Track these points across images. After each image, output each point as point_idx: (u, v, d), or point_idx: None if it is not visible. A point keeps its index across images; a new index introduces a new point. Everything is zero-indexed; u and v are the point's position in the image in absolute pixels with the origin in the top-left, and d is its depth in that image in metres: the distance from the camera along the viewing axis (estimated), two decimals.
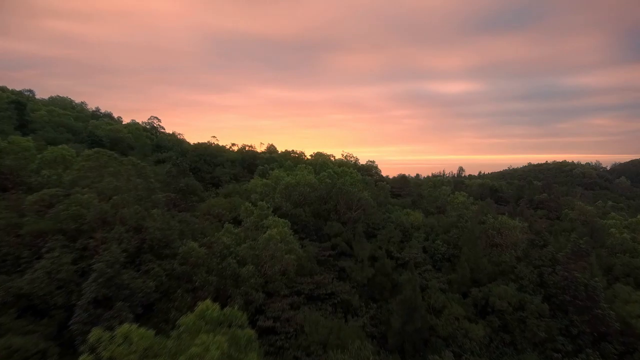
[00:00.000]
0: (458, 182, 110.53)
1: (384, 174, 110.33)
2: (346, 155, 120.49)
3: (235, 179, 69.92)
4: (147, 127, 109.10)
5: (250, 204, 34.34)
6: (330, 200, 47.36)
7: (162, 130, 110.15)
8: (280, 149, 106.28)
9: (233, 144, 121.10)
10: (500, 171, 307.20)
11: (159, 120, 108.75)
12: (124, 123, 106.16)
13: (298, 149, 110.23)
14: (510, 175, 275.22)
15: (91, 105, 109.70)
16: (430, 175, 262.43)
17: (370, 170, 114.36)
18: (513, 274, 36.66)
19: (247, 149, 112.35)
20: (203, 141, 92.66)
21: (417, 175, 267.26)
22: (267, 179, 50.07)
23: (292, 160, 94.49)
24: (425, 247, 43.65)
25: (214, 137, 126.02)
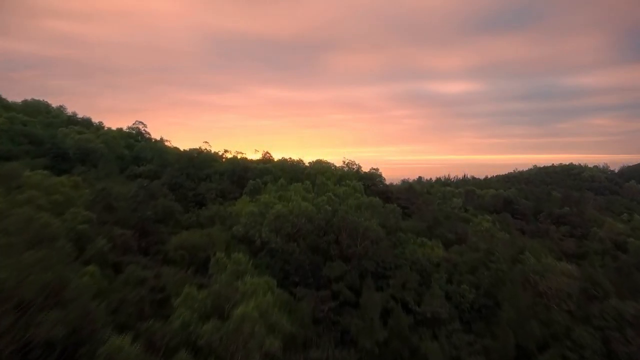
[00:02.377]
0: (469, 192, 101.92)
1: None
2: (348, 163, 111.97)
3: (222, 196, 61.21)
4: (133, 132, 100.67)
5: (222, 255, 25.82)
6: (331, 231, 38.84)
7: (147, 136, 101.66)
8: (280, 149, 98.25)
9: (226, 151, 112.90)
10: (505, 174, 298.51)
11: (145, 125, 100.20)
12: (107, 128, 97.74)
13: (297, 153, 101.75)
14: (516, 179, 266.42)
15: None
16: (433, 178, 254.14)
17: (374, 178, 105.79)
18: (569, 339, 28.15)
19: (239, 156, 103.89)
20: (195, 146, 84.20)
21: (420, 178, 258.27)
22: (255, 203, 41.47)
23: (288, 169, 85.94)
24: (448, 292, 35.11)
25: (205, 142, 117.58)
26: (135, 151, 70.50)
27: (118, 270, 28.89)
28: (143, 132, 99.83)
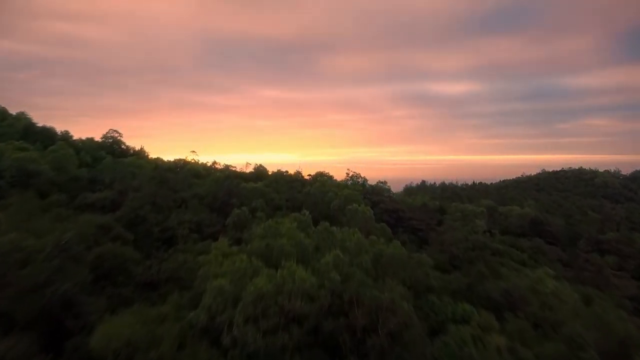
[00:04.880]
0: (492, 210, 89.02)
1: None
2: (352, 176, 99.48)
3: (198, 230, 48.71)
4: (108, 142, 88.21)
5: None
6: (339, 311, 26.33)
7: (123, 147, 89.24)
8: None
9: (214, 163, 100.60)
10: (513, 178, 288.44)
11: (120, 134, 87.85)
12: (75, 139, 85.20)
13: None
14: (525, 184, 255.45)
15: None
16: (436, 182, 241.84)
17: (381, 193, 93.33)
18: None
19: (230, 170, 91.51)
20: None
21: (423, 182, 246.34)
22: (230, 262, 28.84)
23: (283, 187, 73.40)
24: None
25: (193, 151, 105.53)
26: (98, 171, 57.84)
27: None
28: (118, 140, 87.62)
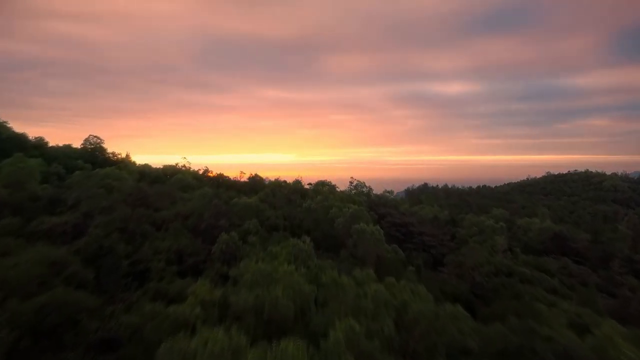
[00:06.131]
0: (508, 222, 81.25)
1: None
2: (356, 185, 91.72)
3: (178, 261, 40.79)
4: (89, 149, 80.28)
5: None
6: None
7: (106, 155, 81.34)
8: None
9: (207, 170, 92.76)
10: (519, 181, 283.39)
11: (101, 141, 79.93)
12: (52, 145, 77.34)
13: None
14: (532, 187, 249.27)
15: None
16: (439, 184, 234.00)
17: (387, 204, 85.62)
18: None
19: (223, 178, 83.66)
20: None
21: (425, 184, 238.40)
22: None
23: (280, 202, 65.56)
24: None
25: (184, 158, 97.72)
26: (66, 186, 49.87)
27: None
28: (100, 146, 79.71)
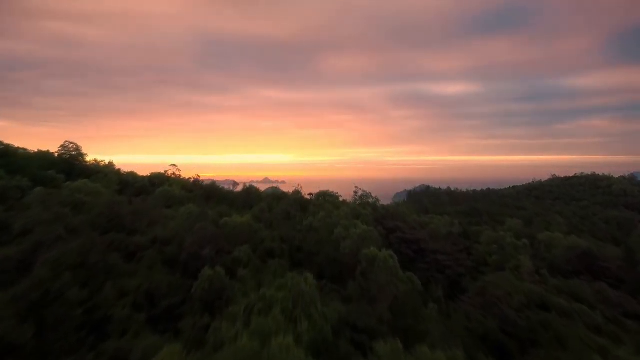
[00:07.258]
0: (528, 237, 73.60)
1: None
2: (361, 195, 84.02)
3: (149, 304, 32.85)
4: (66, 157, 72.44)
5: None
6: None
7: (85, 163, 73.52)
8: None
9: (197, 178, 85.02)
10: (524, 185, 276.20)
11: (79, 148, 72.10)
12: (25, 152, 69.60)
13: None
14: (538, 191, 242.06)
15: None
16: (441, 186, 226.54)
17: (395, 217, 77.96)
18: None
19: (215, 187, 75.86)
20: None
21: (428, 187, 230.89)
22: None
23: (278, 220, 57.81)
24: None
25: (173, 165, 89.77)
26: (17, 210, 42.00)
27: None
28: (75, 154, 71.88)
